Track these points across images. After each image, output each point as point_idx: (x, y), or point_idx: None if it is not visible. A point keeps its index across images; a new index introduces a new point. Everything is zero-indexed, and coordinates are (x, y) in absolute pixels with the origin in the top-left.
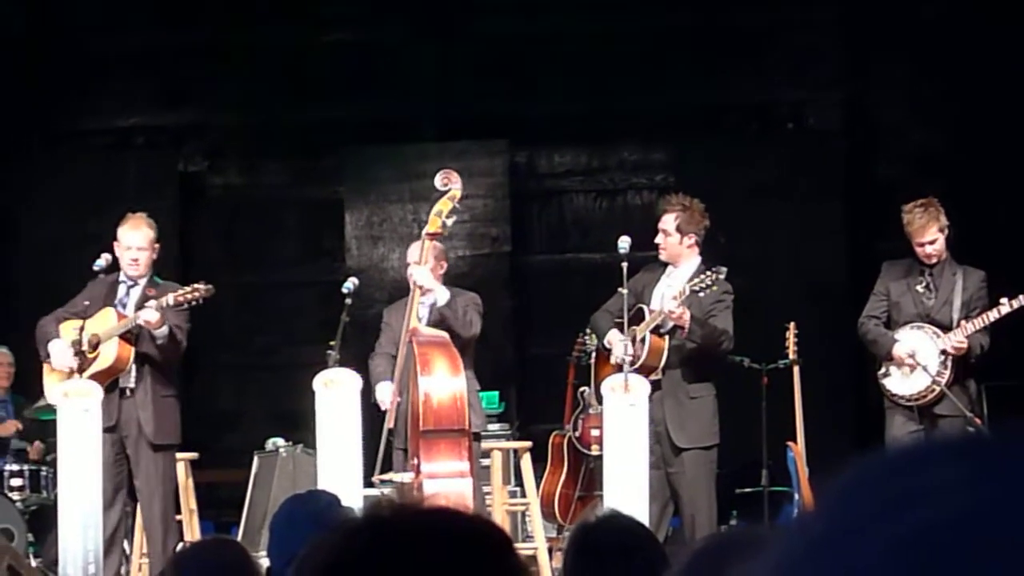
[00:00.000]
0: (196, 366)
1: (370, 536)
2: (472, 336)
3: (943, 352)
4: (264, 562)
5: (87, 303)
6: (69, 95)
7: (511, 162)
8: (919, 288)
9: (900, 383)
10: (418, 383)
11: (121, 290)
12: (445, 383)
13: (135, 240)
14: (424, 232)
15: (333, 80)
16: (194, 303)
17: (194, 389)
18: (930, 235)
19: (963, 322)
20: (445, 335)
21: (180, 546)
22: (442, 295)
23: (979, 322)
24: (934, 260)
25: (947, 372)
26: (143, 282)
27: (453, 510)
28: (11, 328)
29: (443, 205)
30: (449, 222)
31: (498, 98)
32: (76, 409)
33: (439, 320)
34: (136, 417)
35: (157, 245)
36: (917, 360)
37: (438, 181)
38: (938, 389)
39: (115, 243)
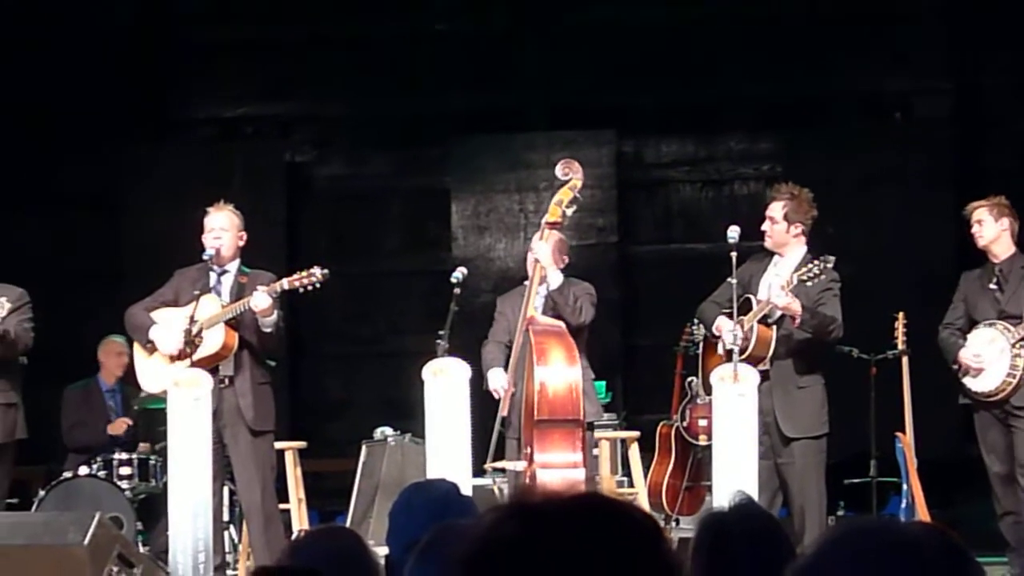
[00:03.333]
0: (302, 356)
1: (520, 523)
2: (581, 324)
3: (1015, 344)
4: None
5: (176, 293)
6: (177, 85)
7: (618, 152)
8: (991, 286)
9: (977, 381)
10: (534, 372)
11: (212, 278)
12: (561, 373)
13: (217, 221)
14: (544, 221)
15: (440, 70)
16: (310, 288)
17: (300, 379)
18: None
19: None
20: (562, 324)
21: (296, 534)
22: (555, 279)
23: None
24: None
25: (1021, 364)
26: (233, 269)
27: (602, 496)
28: (118, 318)
29: (563, 194)
30: (569, 212)
31: (605, 87)
32: (186, 398)
33: (551, 307)
34: (236, 405)
35: (243, 233)
36: (982, 362)
37: (559, 170)
38: (1013, 382)
39: (201, 236)
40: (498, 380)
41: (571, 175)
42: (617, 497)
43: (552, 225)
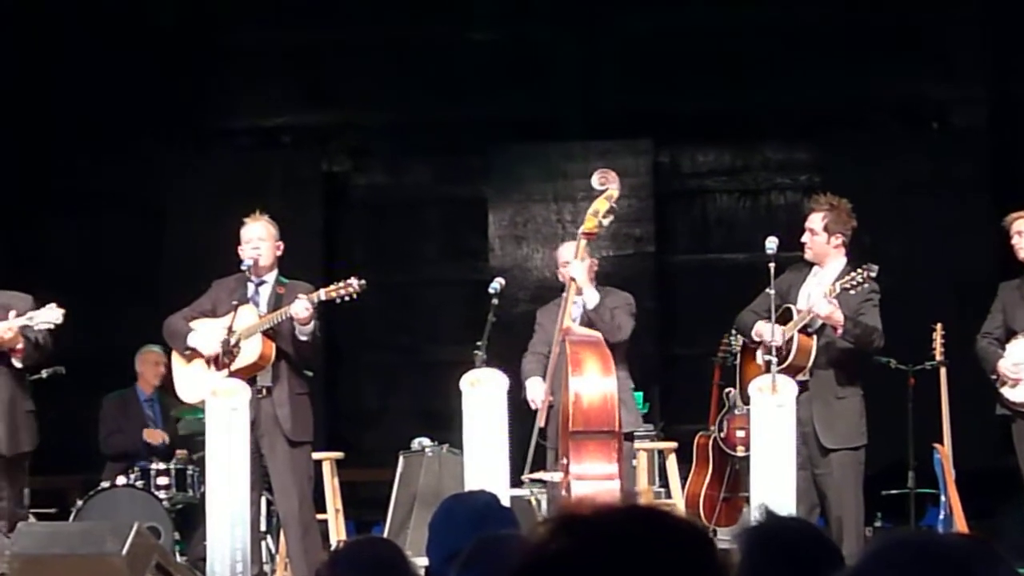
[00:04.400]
0: (339, 366)
1: (570, 536)
2: (620, 341)
3: None
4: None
5: (214, 303)
6: (216, 92)
7: (655, 161)
8: None
9: (1015, 391)
10: (568, 383)
11: (249, 289)
12: (596, 384)
13: (254, 232)
14: (580, 231)
15: (478, 79)
16: (347, 298)
17: (337, 389)
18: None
19: None
20: (598, 335)
21: (335, 544)
22: (591, 298)
23: None
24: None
25: None
26: (271, 279)
27: (652, 508)
28: (156, 326)
29: (600, 204)
30: (606, 222)
31: (642, 96)
32: (224, 408)
33: (588, 323)
34: (273, 415)
35: (280, 243)
36: (1020, 372)
37: (595, 180)
38: None
39: (238, 247)
40: (536, 390)
41: (607, 185)
42: (666, 508)
43: (588, 235)
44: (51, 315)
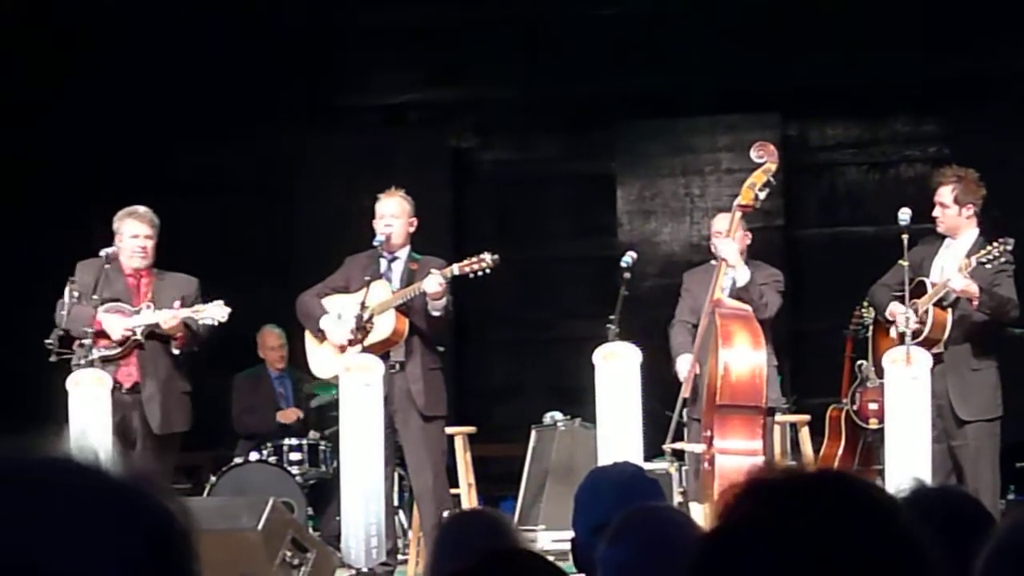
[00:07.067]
0: (468, 342)
1: (757, 502)
2: (767, 318)
3: None
4: (540, 535)
5: (347, 279)
6: (343, 71)
7: (783, 135)
8: None
9: None
10: (718, 355)
11: (382, 265)
12: (745, 357)
13: (388, 208)
14: (735, 204)
15: (604, 54)
16: (480, 273)
17: (466, 365)
18: None
19: None
20: (749, 308)
21: (445, 514)
22: (742, 275)
23: None
24: None
25: None
26: (404, 256)
27: (841, 474)
28: (288, 304)
29: (757, 178)
30: (762, 195)
31: (769, 70)
32: (358, 383)
33: (737, 298)
34: (407, 390)
35: (414, 220)
36: None
37: (753, 153)
38: None
39: (372, 222)
40: (685, 367)
41: (765, 158)
42: (856, 474)
43: (743, 208)
44: (218, 312)
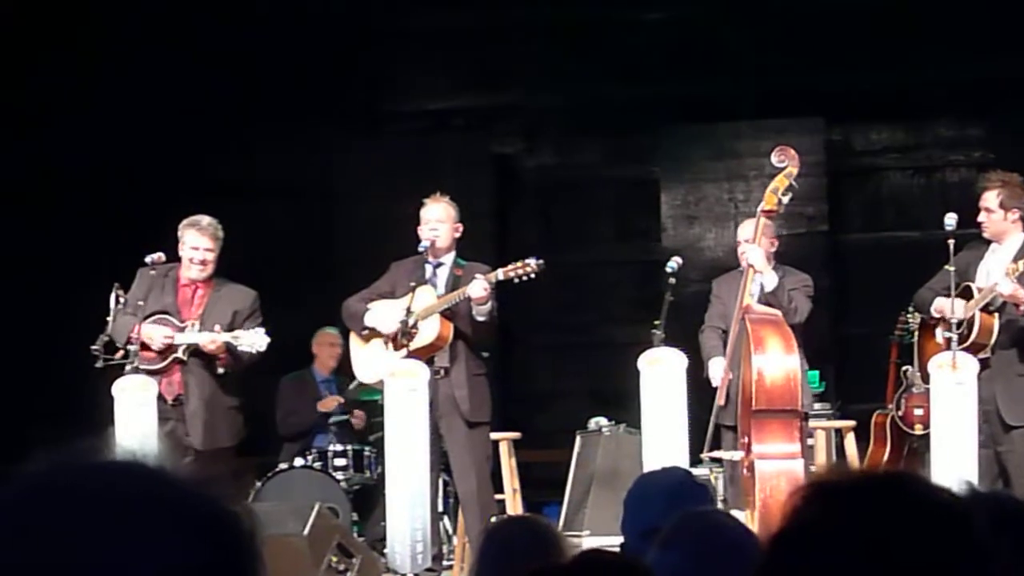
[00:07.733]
0: (512, 347)
1: (823, 504)
2: (797, 323)
3: None
4: (585, 540)
5: (392, 285)
6: (386, 76)
7: (827, 140)
8: None
9: None
10: (751, 361)
11: (427, 270)
12: (779, 362)
13: (433, 213)
14: (759, 209)
15: (648, 59)
16: (524, 278)
17: (510, 370)
18: None
19: None
20: (778, 313)
21: (491, 522)
22: (770, 281)
23: None
24: None
25: None
26: (449, 261)
27: (906, 475)
28: (331, 308)
29: (779, 182)
30: (785, 199)
31: (813, 74)
32: (403, 388)
33: (766, 304)
34: (452, 395)
35: (459, 225)
36: None
37: (774, 158)
38: None
39: (417, 227)
40: (717, 370)
41: (786, 162)
42: (920, 476)
43: (767, 213)
44: (257, 340)
